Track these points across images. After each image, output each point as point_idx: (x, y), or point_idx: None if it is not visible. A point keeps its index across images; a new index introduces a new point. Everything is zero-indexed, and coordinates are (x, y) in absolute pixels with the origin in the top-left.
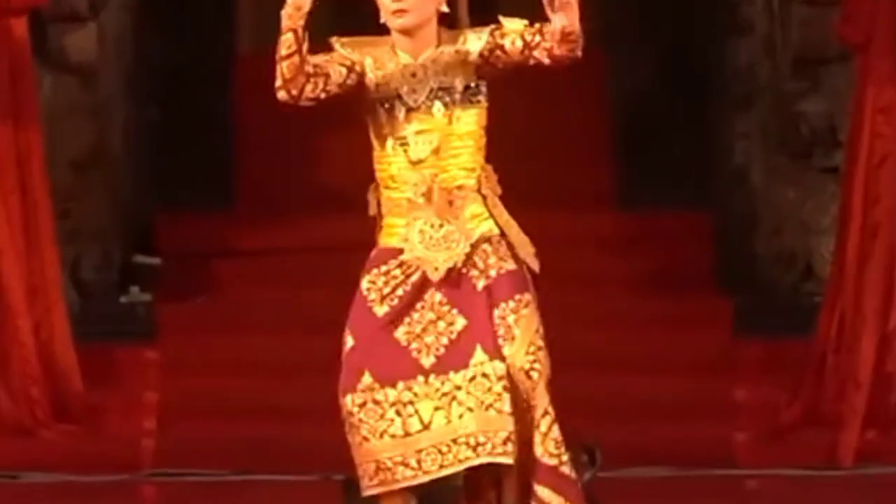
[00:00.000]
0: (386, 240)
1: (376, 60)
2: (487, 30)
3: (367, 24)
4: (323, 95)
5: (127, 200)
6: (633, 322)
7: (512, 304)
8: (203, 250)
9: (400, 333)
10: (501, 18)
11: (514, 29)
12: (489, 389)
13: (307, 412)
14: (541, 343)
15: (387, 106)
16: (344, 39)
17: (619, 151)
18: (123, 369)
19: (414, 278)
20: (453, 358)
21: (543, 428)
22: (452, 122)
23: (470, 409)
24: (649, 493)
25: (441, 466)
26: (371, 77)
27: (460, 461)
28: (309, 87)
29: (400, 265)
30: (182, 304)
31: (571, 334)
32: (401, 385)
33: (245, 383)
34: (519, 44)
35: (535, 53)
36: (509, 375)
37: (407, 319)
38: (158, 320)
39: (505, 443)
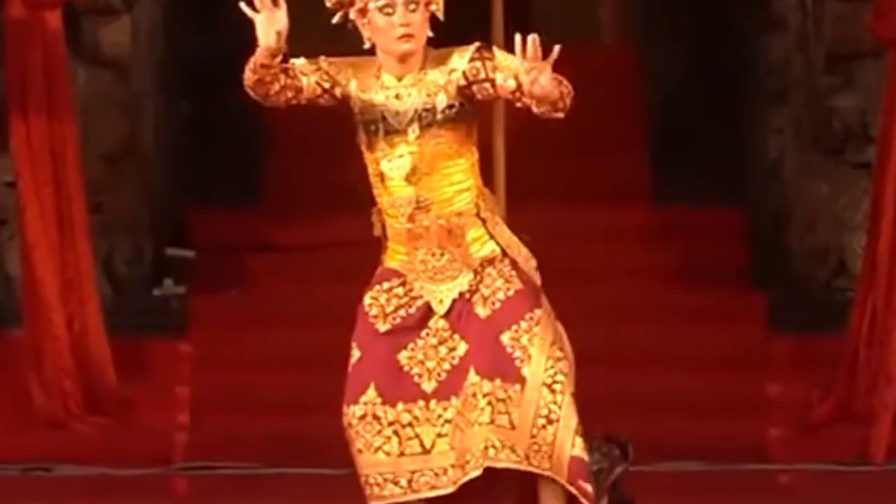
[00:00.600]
0: (389, 262)
1: (361, 83)
2: (472, 49)
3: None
4: (285, 104)
5: (159, 194)
6: (666, 317)
7: (524, 324)
8: (236, 244)
9: (403, 357)
10: (496, 50)
11: (508, 66)
12: (475, 406)
13: (339, 406)
14: (560, 354)
15: (372, 129)
16: (331, 59)
17: (654, 147)
18: (156, 363)
19: (419, 303)
20: (454, 383)
21: (579, 438)
22: (437, 143)
23: (462, 430)
24: (681, 487)
25: (433, 487)
26: (356, 101)
27: (453, 482)
28: (274, 91)
29: (402, 284)
30: (215, 297)
31: (605, 328)
32: (401, 406)
33: (277, 377)
34: (512, 84)
35: (525, 99)
36: (529, 392)
37: (411, 345)
38: (191, 314)
39: (484, 453)
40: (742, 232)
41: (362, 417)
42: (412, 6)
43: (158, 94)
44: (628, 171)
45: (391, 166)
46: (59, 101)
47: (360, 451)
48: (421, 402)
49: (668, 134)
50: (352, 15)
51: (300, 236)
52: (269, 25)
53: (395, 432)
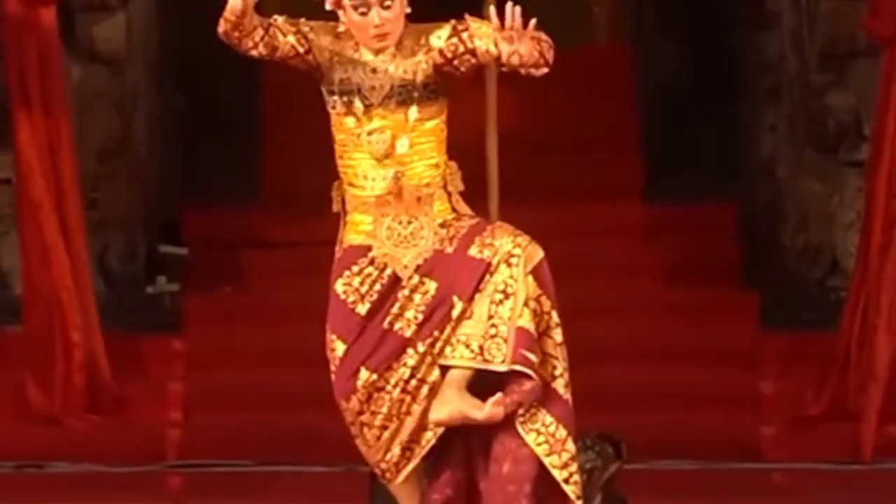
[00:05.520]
0: (352, 237)
1: (338, 54)
2: (448, 27)
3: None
4: (259, 56)
5: (153, 190)
6: (659, 314)
7: (486, 231)
8: (229, 241)
9: (385, 322)
10: (468, 18)
11: (484, 33)
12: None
13: (333, 403)
14: (522, 237)
15: (346, 100)
16: (312, 24)
17: (647, 144)
18: (150, 359)
19: (388, 271)
20: (434, 319)
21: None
22: (412, 118)
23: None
24: (674, 485)
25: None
26: (333, 71)
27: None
28: (249, 45)
29: (371, 262)
30: (208, 294)
31: (598, 325)
32: (394, 365)
33: (271, 374)
34: (493, 50)
35: (509, 61)
36: (498, 269)
37: (393, 310)
38: (185, 311)
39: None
40: (736, 229)
41: (368, 399)
42: (387, 3)
43: (152, 90)
44: (622, 168)
45: (370, 139)
46: (54, 97)
47: (383, 426)
48: (409, 350)
49: (661, 131)
50: (327, 6)
51: (294, 232)
52: None
53: (404, 389)
